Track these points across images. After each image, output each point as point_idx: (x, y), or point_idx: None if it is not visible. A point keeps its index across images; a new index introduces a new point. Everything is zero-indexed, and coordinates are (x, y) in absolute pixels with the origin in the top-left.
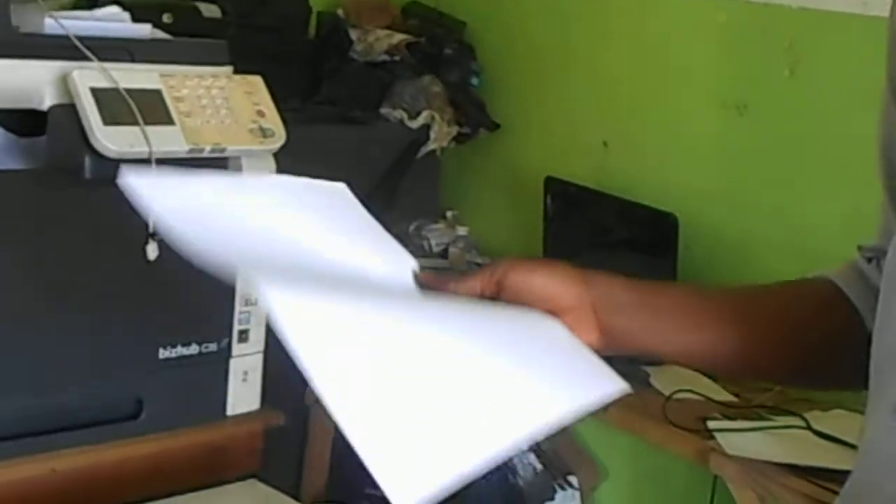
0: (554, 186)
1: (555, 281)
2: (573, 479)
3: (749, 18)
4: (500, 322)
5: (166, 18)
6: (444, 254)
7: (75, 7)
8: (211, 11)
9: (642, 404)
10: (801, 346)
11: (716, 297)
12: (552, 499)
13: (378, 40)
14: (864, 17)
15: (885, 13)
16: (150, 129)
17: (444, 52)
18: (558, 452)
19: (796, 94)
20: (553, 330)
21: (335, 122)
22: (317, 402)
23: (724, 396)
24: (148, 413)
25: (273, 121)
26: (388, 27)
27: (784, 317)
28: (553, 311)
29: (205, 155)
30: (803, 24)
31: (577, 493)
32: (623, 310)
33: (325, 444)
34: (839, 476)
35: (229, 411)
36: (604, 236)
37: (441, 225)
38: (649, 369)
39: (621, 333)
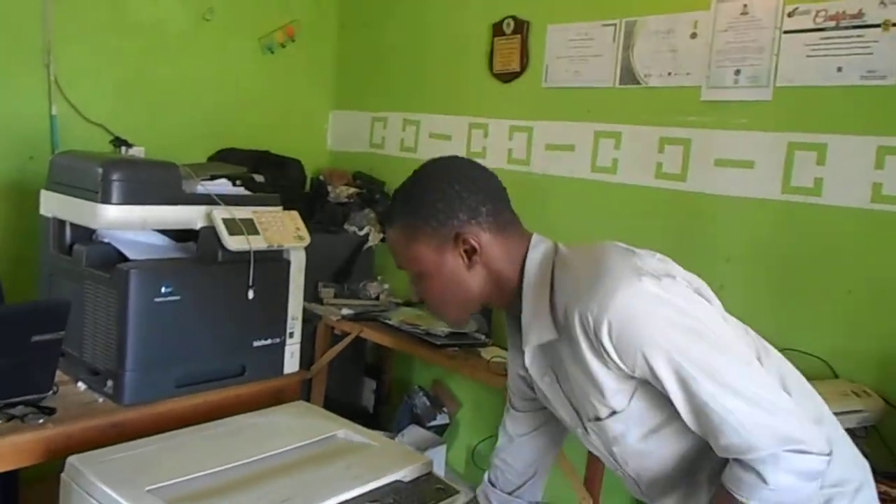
0: None
1: None
2: (445, 409)
3: (523, 179)
4: None
5: (238, 183)
6: (377, 298)
7: (209, 178)
8: (259, 178)
9: (479, 364)
10: None
11: None
12: (435, 419)
13: (341, 191)
14: (592, 180)
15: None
16: (249, 237)
17: (375, 196)
18: (438, 394)
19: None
20: None
21: (323, 233)
22: (318, 373)
23: None
24: (247, 373)
25: (303, 232)
26: (346, 184)
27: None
28: None
29: (273, 248)
30: (550, 183)
31: (447, 416)
32: None
33: (319, 392)
34: None
35: (285, 371)
36: None
37: (375, 283)
38: (480, 350)
39: None
